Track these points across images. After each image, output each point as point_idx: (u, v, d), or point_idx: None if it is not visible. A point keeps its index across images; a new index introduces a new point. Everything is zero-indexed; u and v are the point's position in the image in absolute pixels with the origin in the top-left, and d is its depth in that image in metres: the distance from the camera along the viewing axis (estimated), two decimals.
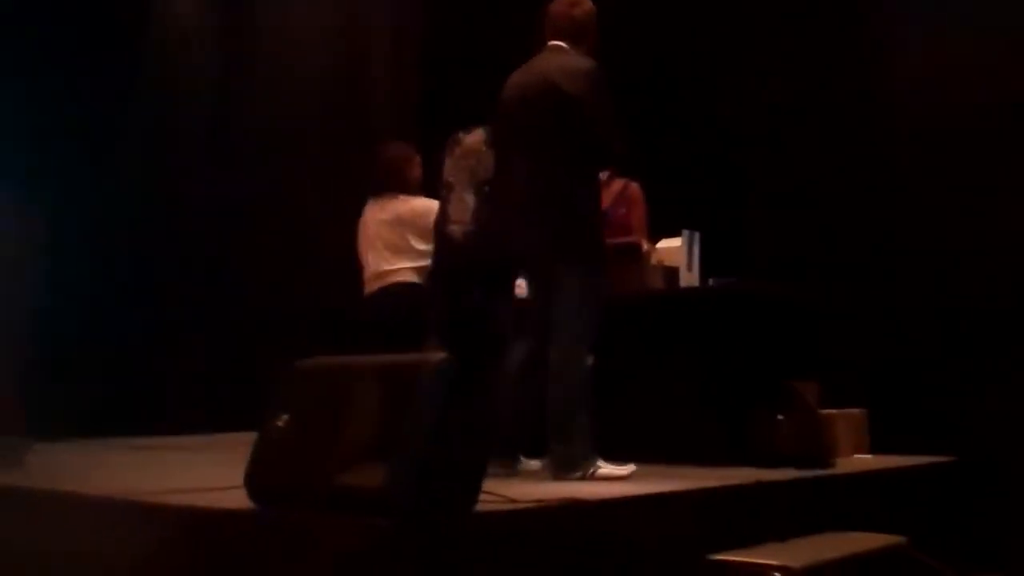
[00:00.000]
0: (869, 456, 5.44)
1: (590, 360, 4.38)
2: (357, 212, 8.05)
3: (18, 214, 4.92)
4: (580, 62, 4.46)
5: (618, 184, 6.34)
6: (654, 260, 5.41)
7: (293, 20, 8.90)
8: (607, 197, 6.34)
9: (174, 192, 8.74)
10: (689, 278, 5.26)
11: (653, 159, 5.98)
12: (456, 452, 2.96)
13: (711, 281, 5.44)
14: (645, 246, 5.51)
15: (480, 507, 3.06)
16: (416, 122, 8.09)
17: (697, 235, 5.35)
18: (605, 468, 4.28)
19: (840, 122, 6.29)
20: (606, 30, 4.70)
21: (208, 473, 4.43)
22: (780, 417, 4.88)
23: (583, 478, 4.23)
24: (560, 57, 4.53)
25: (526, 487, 3.80)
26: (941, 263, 5.85)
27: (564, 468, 4.28)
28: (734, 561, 3.57)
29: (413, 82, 8.28)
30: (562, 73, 4.41)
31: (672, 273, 5.33)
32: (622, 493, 3.79)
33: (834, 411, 5.28)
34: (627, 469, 4.31)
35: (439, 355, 3.01)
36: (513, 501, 3.25)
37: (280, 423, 3.23)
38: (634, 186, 6.27)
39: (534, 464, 4.80)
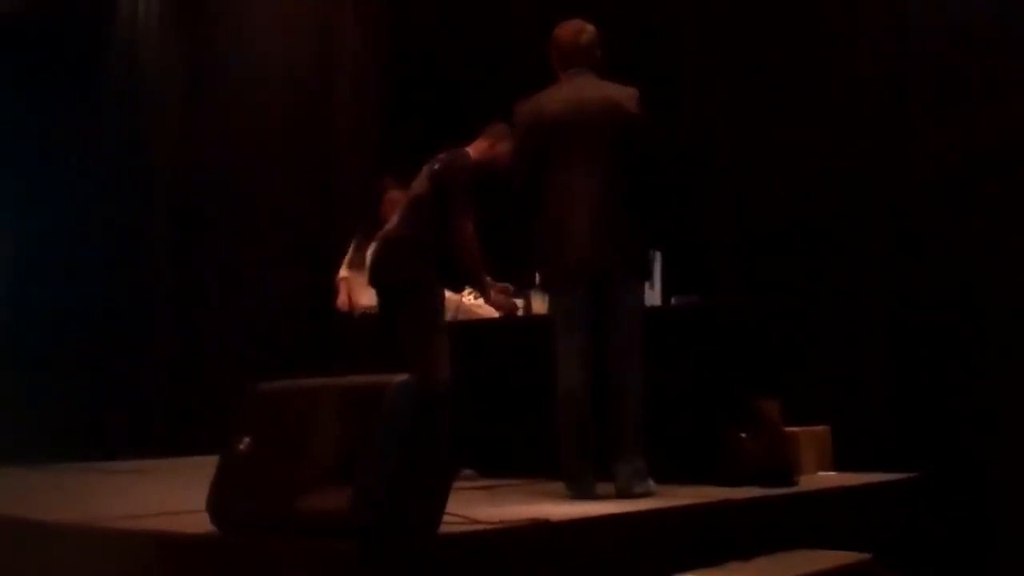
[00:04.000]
0: (833, 473, 5.44)
1: None
2: (326, 231, 8.04)
3: None
4: (628, 87, 4.62)
5: None
6: None
7: (258, 32, 8.88)
8: None
9: (140, 213, 8.70)
10: (650, 296, 5.27)
11: None
12: (419, 474, 2.95)
13: (673, 299, 5.46)
14: None
15: (444, 528, 3.06)
16: (379, 134, 8.14)
17: (657, 254, 5.37)
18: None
19: (802, 138, 6.31)
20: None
21: (172, 497, 4.39)
22: (743, 435, 4.89)
23: (648, 492, 4.32)
24: (601, 81, 4.66)
25: (489, 508, 3.79)
26: (902, 279, 5.89)
27: (639, 481, 4.34)
28: None
29: (376, 95, 8.30)
30: (622, 95, 4.57)
31: None
32: (587, 513, 3.79)
33: (797, 428, 5.29)
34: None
35: (401, 376, 3.01)
36: (476, 522, 3.25)
37: (242, 446, 3.21)
38: None
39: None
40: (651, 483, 4.37)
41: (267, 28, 8.87)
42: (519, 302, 6.00)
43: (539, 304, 5.82)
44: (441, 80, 7.81)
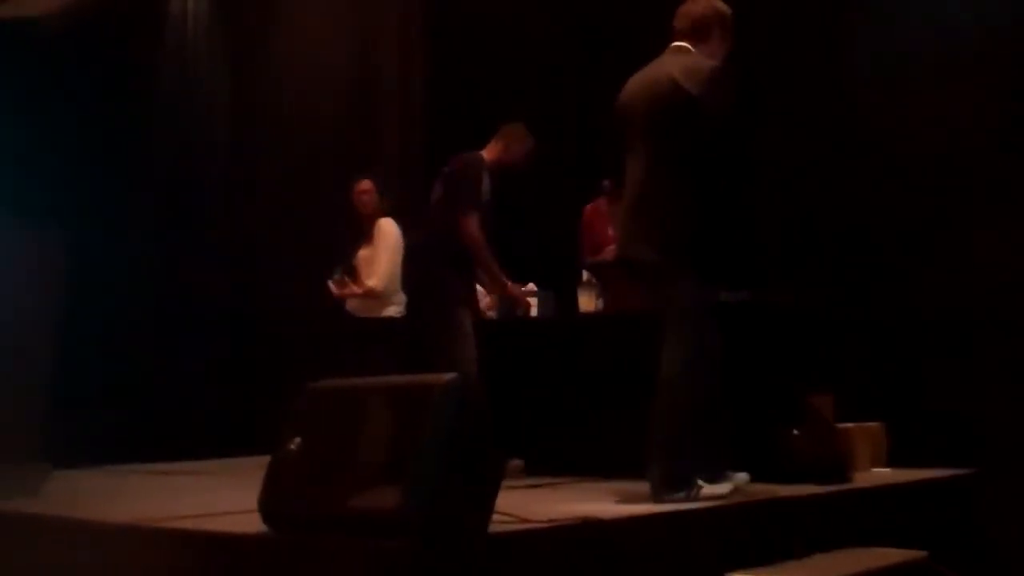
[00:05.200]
0: (888, 469, 5.39)
1: (711, 375, 4.20)
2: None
3: (37, 241, 4.93)
4: (702, 62, 4.31)
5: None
6: None
7: (305, 43, 8.95)
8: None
9: (189, 220, 8.78)
10: None
11: None
12: (468, 472, 2.95)
13: (723, 295, 5.41)
14: None
15: (493, 528, 3.05)
16: (423, 135, 8.17)
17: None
18: (707, 488, 4.10)
19: (849, 132, 6.26)
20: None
21: (223, 497, 4.42)
22: (796, 432, 4.84)
23: (687, 499, 4.01)
24: (682, 57, 4.36)
25: (539, 506, 3.78)
26: (957, 272, 5.81)
27: (668, 487, 4.05)
28: None
29: (420, 95, 8.34)
30: (684, 72, 4.25)
31: None
32: (637, 511, 3.77)
33: (851, 424, 5.24)
34: (727, 487, 4.16)
35: (449, 375, 3.00)
36: (526, 521, 3.24)
37: (293, 446, 3.23)
38: None
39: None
40: (692, 490, 4.05)
41: (310, 30, 8.94)
42: (532, 300, 5.97)
43: (585, 301, 5.80)
44: (484, 82, 7.81)
